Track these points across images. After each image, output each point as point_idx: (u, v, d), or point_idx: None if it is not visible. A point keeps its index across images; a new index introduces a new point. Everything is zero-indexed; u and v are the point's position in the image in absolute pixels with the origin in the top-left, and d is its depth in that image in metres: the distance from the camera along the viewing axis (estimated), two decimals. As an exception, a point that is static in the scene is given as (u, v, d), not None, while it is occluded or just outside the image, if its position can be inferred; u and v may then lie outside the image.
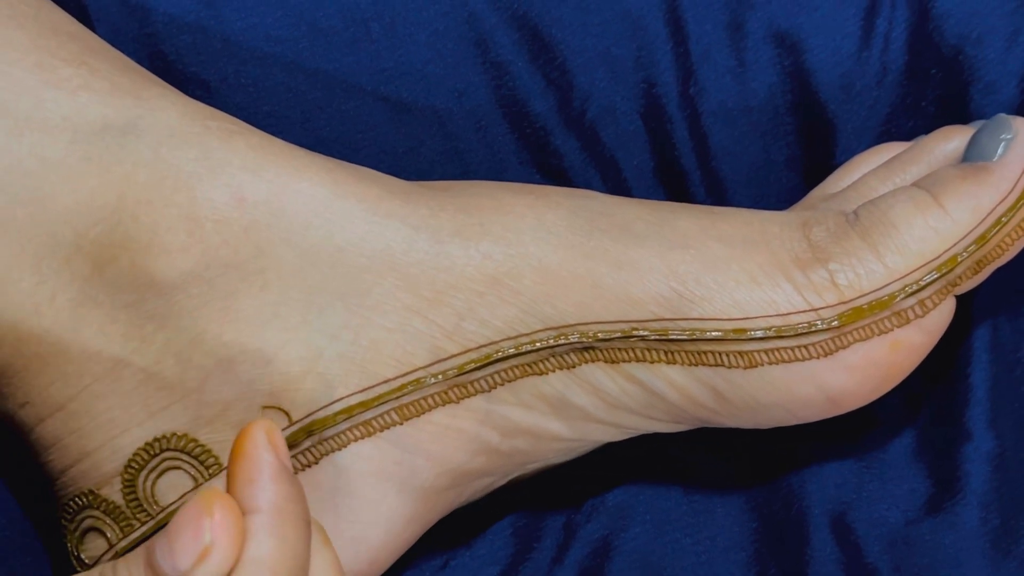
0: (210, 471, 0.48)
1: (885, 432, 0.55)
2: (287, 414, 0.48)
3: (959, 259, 0.48)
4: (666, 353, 0.48)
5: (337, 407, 0.48)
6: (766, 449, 0.55)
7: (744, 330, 0.48)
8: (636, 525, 0.54)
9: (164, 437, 0.48)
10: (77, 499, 0.49)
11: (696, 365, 0.48)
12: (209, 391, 0.48)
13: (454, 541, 0.55)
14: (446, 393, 0.48)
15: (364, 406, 0.48)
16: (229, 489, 0.42)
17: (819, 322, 0.48)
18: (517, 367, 0.48)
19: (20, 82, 0.46)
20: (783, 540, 0.54)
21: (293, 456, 0.48)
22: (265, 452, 0.41)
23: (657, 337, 0.48)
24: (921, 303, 0.48)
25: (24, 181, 0.46)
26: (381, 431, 0.48)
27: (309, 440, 0.48)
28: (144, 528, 0.49)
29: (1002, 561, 0.52)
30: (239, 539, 0.40)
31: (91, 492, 0.49)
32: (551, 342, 0.48)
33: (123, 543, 0.49)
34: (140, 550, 0.41)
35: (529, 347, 0.48)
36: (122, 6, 0.53)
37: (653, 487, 0.55)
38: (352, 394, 0.48)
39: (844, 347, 0.48)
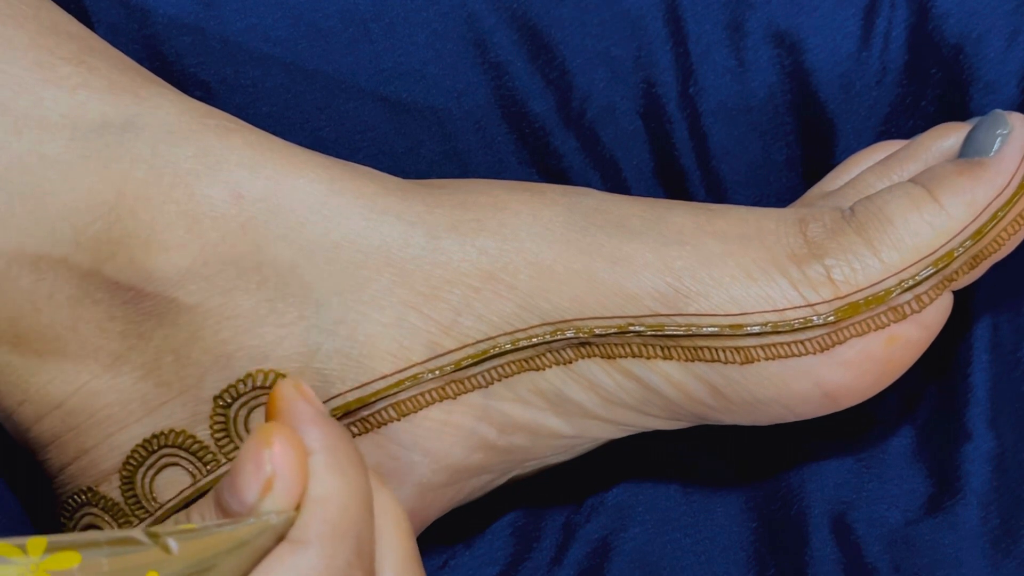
0: (208, 467, 0.48)
1: (885, 432, 0.55)
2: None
3: (955, 254, 0.48)
4: (662, 349, 0.48)
5: (334, 403, 0.48)
6: (766, 449, 0.55)
7: (740, 326, 0.48)
8: (635, 525, 0.54)
9: (162, 434, 0.48)
10: (76, 496, 0.49)
11: (692, 361, 0.48)
12: (207, 387, 0.48)
13: (453, 540, 0.55)
14: (443, 389, 0.48)
15: (361, 402, 0.48)
16: None
17: (815, 317, 0.48)
18: (514, 363, 0.48)
19: (19, 80, 0.47)
20: (783, 540, 0.53)
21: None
22: (300, 401, 0.41)
23: (653, 332, 0.48)
24: (917, 298, 0.48)
25: (23, 178, 0.46)
26: (378, 427, 0.48)
27: (306, 437, 0.48)
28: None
29: (1002, 561, 0.51)
30: (302, 469, 0.40)
31: (90, 489, 0.49)
32: (547, 337, 0.48)
33: (122, 540, 0.49)
34: (211, 493, 0.41)
35: (525, 342, 0.48)
36: (122, 7, 0.53)
37: (653, 487, 0.55)
38: (349, 390, 0.48)
39: (840, 342, 0.48)
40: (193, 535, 0.38)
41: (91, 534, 0.37)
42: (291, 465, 0.40)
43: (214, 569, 0.39)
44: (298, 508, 0.40)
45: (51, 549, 0.37)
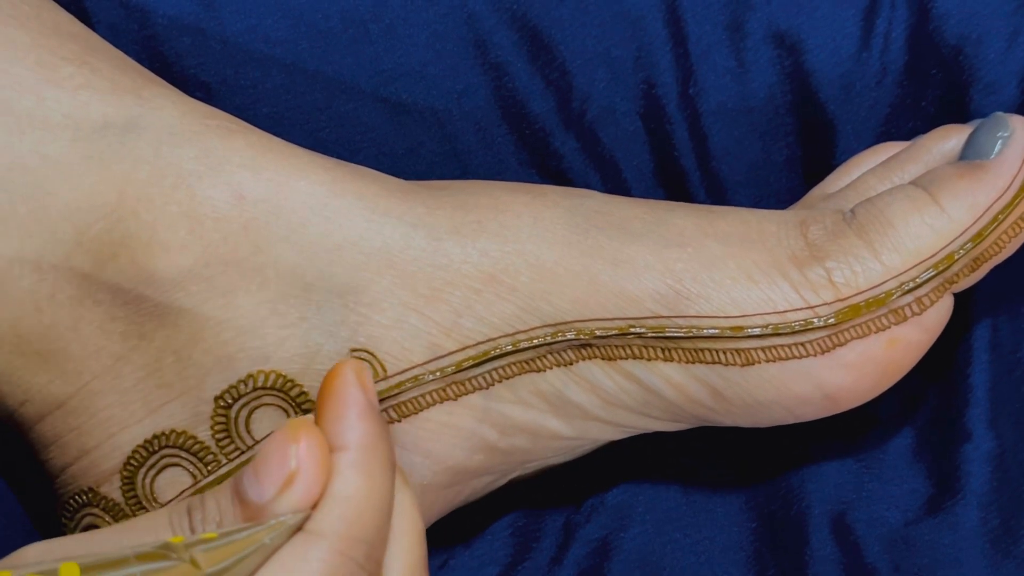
0: (208, 468, 0.48)
1: (885, 432, 0.55)
2: (285, 412, 0.48)
3: (956, 257, 0.48)
4: (663, 350, 0.48)
5: (335, 404, 0.48)
6: (766, 449, 0.55)
7: (741, 328, 0.48)
8: (635, 525, 0.54)
9: (163, 434, 0.48)
10: (77, 497, 0.49)
11: (693, 363, 0.48)
12: (208, 388, 0.48)
13: (453, 541, 0.55)
14: (444, 390, 0.48)
15: (361, 403, 0.48)
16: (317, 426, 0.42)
17: (816, 320, 0.48)
18: (515, 364, 0.48)
19: (21, 80, 0.47)
20: (783, 540, 0.53)
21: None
22: (354, 390, 0.42)
23: (654, 334, 0.48)
24: (918, 301, 0.48)
25: (25, 178, 0.46)
26: (379, 428, 0.48)
27: (307, 437, 0.48)
28: (143, 526, 0.49)
29: (1001, 561, 0.51)
30: (325, 468, 0.41)
31: (91, 490, 0.49)
32: (548, 339, 0.48)
33: (122, 540, 0.49)
34: (229, 481, 0.42)
35: (526, 344, 0.48)
36: (122, 8, 0.53)
37: (653, 487, 0.55)
38: None
39: (841, 344, 0.48)
40: (216, 544, 0.39)
41: (120, 550, 0.38)
42: (314, 464, 0.41)
43: (232, 570, 0.39)
44: (315, 507, 0.41)
45: (85, 572, 0.37)
